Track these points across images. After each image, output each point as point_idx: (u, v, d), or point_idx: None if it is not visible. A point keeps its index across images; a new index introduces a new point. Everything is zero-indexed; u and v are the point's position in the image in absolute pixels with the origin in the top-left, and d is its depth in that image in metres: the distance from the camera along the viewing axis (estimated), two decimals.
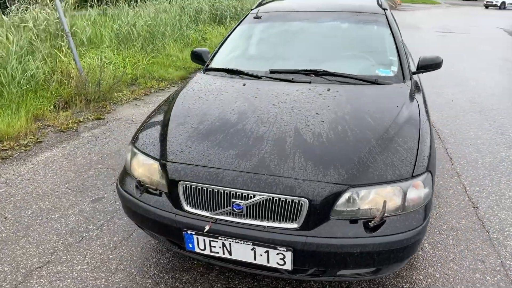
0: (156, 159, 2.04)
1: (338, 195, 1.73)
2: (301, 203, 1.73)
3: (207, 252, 1.90)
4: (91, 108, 5.29)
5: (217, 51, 3.23)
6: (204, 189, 1.85)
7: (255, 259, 1.82)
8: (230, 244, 1.83)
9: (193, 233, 1.87)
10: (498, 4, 30.37)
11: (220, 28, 11.45)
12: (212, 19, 11.61)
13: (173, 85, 6.72)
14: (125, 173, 2.26)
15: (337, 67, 2.76)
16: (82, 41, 6.56)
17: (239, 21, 3.49)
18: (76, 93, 5.43)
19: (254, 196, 1.77)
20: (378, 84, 2.57)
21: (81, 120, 4.89)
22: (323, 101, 2.33)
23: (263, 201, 1.76)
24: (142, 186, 2.08)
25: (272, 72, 2.80)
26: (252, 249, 1.80)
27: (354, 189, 1.75)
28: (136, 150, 2.18)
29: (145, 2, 10.52)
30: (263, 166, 1.83)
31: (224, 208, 1.83)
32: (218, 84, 2.71)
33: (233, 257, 1.85)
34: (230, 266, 2.00)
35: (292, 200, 1.73)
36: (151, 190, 2.05)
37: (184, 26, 9.00)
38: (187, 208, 1.91)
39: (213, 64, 3.12)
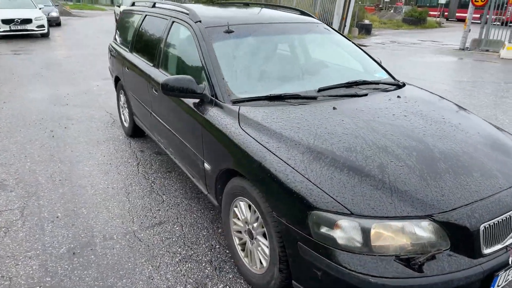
0: (423, 217, 1.60)
1: None
2: None
3: (502, 284, 1.75)
4: None
5: (219, 80, 2.47)
6: (500, 222, 1.69)
7: None
8: None
9: (501, 272, 1.68)
10: None
11: None
12: None
13: None
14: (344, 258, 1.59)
15: (356, 76, 2.84)
16: None
17: (199, 37, 2.71)
18: None
19: None
20: (404, 86, 2.88)
21: None
22: (425, 108, 2.42)
23: None
24: (415, 260, 1.57)
25: (320, 90, 2.54)
26: None
27: None
28: (372, 220, 1.58)
29: None
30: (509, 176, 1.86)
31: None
32: (303, 114, 2.20)
33: None
34: None
35: None
36: (427, 258, 1.60)
37: None
38: (486, 251, 1.67)
39: (241, 94, 2.41)
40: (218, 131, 2.26)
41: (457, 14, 33.89)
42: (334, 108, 2.29)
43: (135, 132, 4.32)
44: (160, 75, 3.12)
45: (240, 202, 2.19)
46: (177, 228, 2.75)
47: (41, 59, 9.25)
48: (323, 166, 1.79)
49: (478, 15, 32.33)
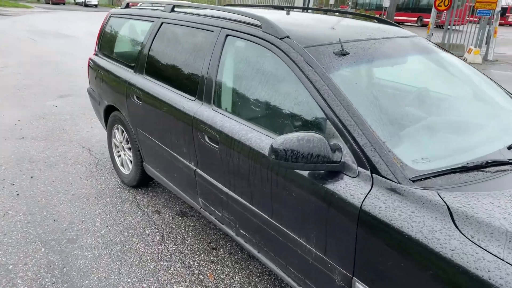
0: None
1: None
2: None
3: None
4: None
5: (371, 139, 1.48)
6: None
7: None
8: None
9: None
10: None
11: None
12: None
13: None
14: None
15: None
16: None
17: (300, 64, 1.72)
18: None
19: None
20: None
21: None
22: None
23: None
24: None
25: (510, 147, 1.66)
26: None
27: None
28: None
29: None
30: None
31: None
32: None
33: None
34: None
35: None
36: None
37: None
38: None
39: (416, 164, 1.43)
40: (410, 241, 1.26)
41: (395, 18, 35.65)
42: None
43: (141, 182, 3.14)
44: (220, 119, 2.04)
45: None
46: None
47: None
48: None
49: (415, 18, 34.67)
